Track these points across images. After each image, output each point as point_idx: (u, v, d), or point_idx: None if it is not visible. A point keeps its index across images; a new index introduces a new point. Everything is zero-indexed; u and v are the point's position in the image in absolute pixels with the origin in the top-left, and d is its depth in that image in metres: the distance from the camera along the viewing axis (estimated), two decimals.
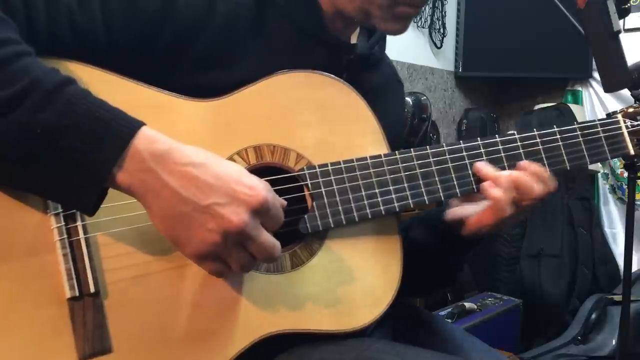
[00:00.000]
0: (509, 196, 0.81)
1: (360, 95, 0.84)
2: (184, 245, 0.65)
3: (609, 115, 0.95)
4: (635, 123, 0.93)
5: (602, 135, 0.91)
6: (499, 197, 0.80)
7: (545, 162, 0.87)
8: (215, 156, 0.67)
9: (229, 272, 0.69)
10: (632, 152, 0.92)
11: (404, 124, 1.21)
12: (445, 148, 0.84)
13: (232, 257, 0.66)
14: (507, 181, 0.81)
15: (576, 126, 0.90)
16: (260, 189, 0.65)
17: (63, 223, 0.68)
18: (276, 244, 0.68)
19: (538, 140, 0.87)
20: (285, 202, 0.70)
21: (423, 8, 2.63)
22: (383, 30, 0.86)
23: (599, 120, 0.92)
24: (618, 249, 2.69)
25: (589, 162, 0.90)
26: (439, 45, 2.80)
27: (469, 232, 0.85)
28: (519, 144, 0.86)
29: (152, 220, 0.65)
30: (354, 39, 0.93)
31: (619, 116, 0.94)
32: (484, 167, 0.83)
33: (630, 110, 0.95)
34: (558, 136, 0.88)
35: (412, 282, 0.85)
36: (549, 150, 0.88)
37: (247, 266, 0.68)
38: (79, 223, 0.69)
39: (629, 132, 0.92)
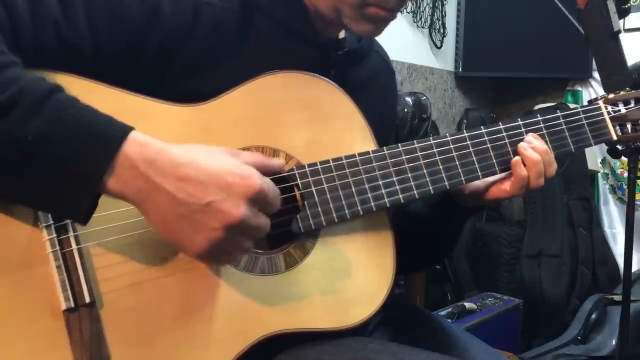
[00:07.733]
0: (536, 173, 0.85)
1: (345, 92, 0.84)
2: (189, 247, 0.65)
3: (590, 102, 0.96)
4: (616, 109, 0.93)
5: (584, 122, 0.91)
6: (525, 176, 0.85)
7: None
8: (206, 149, 0.67)
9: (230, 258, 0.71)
10: (614, 137, 0.93)
11: (396, 114, 1.21)
12: (432, 142, 0.84)
13: (235, 245, 0.67)
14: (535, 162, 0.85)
15: (559, 114, 0.91)
16: (254, 177, 0.65)
17: (55, 235, 0.68)
18: (267, 222, 0.68)
19: (523, 130, 0.88)
20: (279, 191, 0.71)
21: (420, 10, 2.62)
22: (354, 31, 0.84)
23: (581, 107, 0.93)
24: (618, 249, 2.68)
25: (573, 149, 0.91)
26: (439, 45, 2.79)
27: (491, 198, 0.89)
28: (504, 134, 0.87)
29: (151, 225, 0.65)
30: (342, 34, 0.93)
31: (600, 102, 0.94)
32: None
33: (611, 96, 0.95)
34: (542, 125, 0.89)
35: (410, 254, 0.87)
36: None
37: (247, 249, 0.69)
38: (71, 234, 0.69)
39: (610, 118, 0.93)
